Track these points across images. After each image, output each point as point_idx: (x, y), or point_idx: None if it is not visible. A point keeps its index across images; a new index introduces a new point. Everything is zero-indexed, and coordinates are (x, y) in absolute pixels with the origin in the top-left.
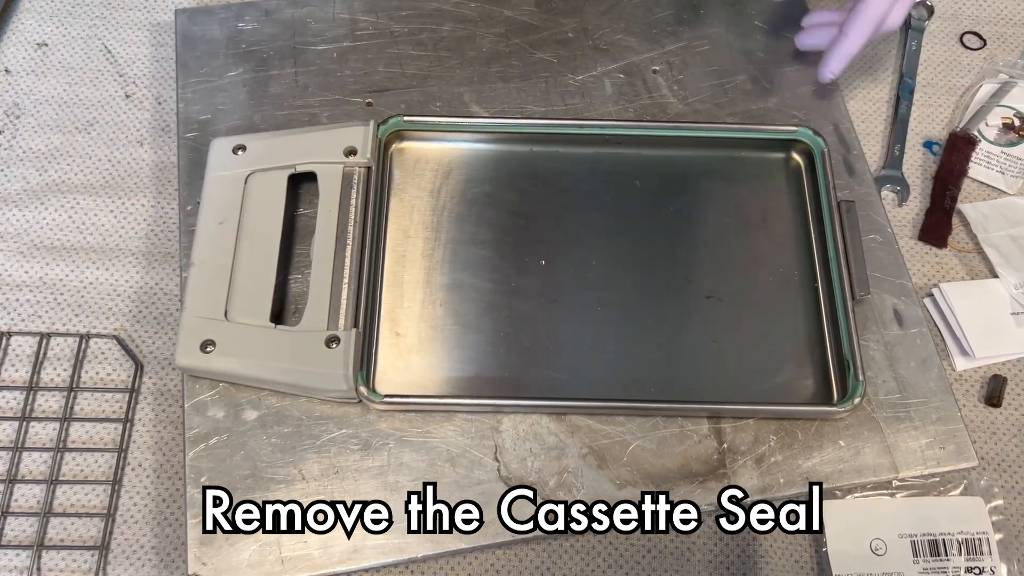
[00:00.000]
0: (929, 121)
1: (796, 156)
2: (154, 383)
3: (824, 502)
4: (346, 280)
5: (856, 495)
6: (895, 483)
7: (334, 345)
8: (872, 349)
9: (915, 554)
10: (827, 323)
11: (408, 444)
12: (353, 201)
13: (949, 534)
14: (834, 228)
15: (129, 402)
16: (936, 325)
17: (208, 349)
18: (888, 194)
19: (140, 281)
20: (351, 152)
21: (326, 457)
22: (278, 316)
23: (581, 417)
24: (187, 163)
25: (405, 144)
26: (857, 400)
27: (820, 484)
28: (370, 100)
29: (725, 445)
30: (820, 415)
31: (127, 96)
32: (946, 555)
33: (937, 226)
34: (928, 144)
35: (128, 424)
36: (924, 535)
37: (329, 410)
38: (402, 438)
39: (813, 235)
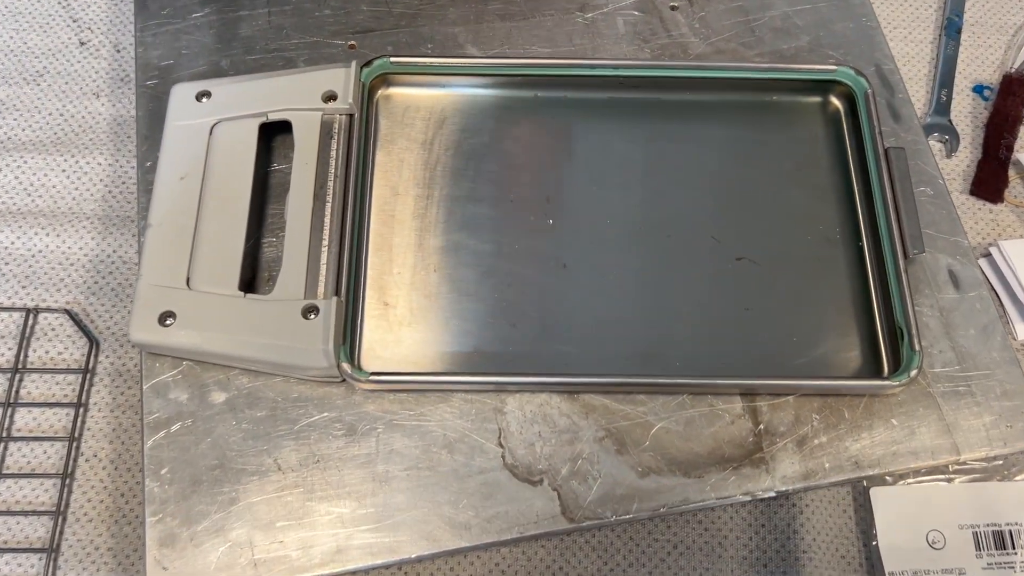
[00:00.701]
0: (979, 63)
1: (835, 99)
2: (111, 363)
3: (872, 489)
4: (326, 243)
5: (909, 481)
6: (952, 467)
7: (312, 316)
8: (925, 315)
9: (978, 547)
10: (875, 286)
11: (399, 428)
12: (333, 153)
13: (1016, 524)
14: (881, 179)
15: (82, 384)
16: (993, 288)
17: (167, 322)
18: (934, 144)
19: (95, 249)
20: (331, 98)
21: (305, 444)
22: (248, 284)
23: (596, 396)
24: (146, 114)
25: (393, 90)
26: (913, 373)
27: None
28: (353, 43)
29: (762, 426)
30: (870, 390)
31: (81, 43)
32: (1013, 548)
33: (991, 179)
34: (978, 88)
35: (81, 409)
36: (988, 525)
37: (308, 391)
38: (392, 422)
39: (856, 187)
